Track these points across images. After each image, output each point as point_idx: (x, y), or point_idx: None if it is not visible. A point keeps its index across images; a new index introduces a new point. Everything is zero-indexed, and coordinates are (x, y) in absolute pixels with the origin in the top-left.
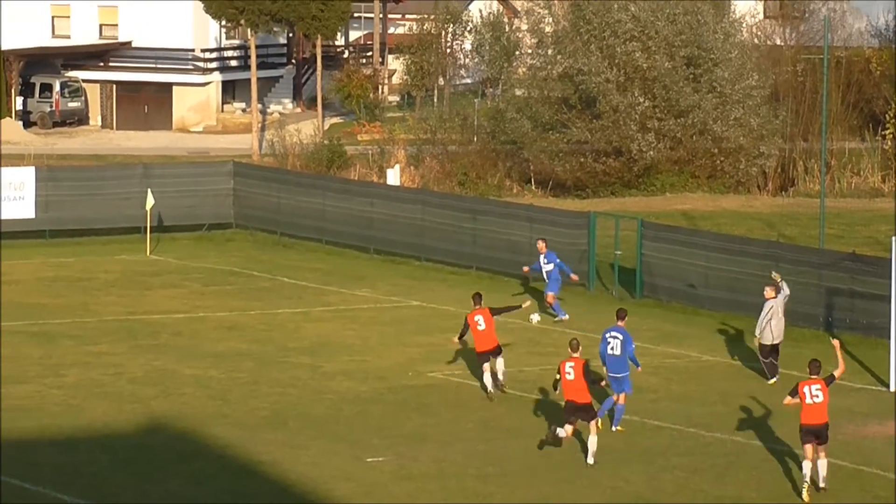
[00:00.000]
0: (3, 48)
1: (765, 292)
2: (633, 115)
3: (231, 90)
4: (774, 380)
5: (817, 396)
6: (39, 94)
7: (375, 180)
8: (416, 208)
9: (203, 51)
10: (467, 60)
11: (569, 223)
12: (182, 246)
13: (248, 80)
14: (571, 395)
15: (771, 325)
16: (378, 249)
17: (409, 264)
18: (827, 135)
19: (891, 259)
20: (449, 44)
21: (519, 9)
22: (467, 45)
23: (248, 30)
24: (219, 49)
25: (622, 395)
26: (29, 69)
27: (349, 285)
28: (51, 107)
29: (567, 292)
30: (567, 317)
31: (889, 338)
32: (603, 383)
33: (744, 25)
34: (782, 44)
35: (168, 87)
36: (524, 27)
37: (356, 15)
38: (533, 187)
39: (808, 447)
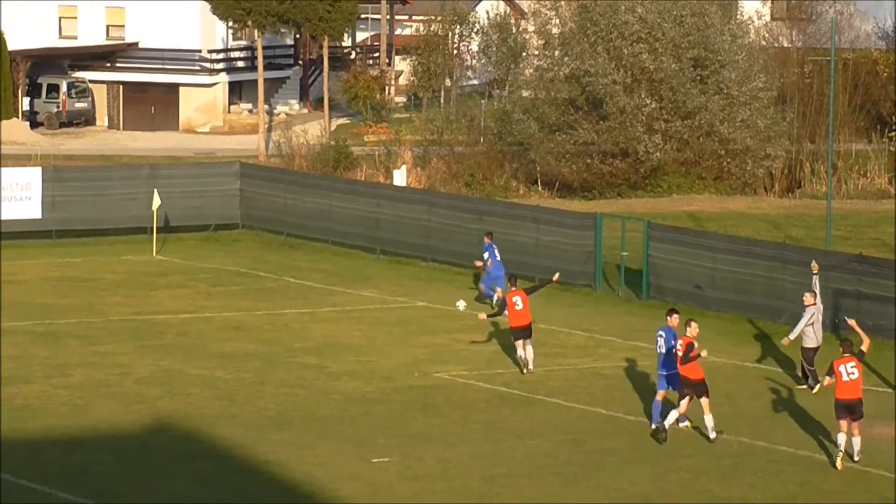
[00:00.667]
0: (10, 49)
1: (804, 299)
2: (640, 117)
3: (238, 91)
4: (819, 386)
5: (853, 374)
6: (46, 95)
7: (382, 181)
8: (422, 209)
9: (210, 51)
10: (474, 62)
11: (575, 224)
12: (188, 246)
13: (255, 81)
14: (685, 371)
15: (814, 329)
16: (384, 250)
17: (416, 265)
18: (834, 136)
19: None
20: (456, 45)
21: (526, 10)
22: (474, 47)
23: (255, 31)
24: (226, 50)
25: (662, 393)
26: (36, 70)
27: (355, 286)
28: (57, 107)
29: (574, 293)
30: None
31: (895, 339)
32: (704, 353)
33: (751, 27)
34: (789, 45)
35: (175, 87)
36: (531, 28)
37: (363, 16)
38: (539, 188)
39: (843, 422)
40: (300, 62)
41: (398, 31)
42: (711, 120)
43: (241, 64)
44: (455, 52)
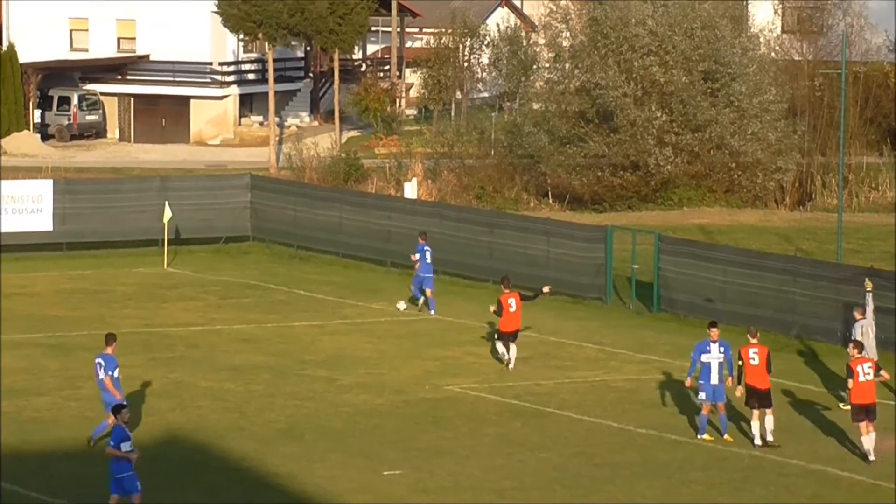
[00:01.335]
0: (21, 61)
1: (854, 313)
2: (651, 130)
3: (249, 103)
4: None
5: (868, 374)
6: (57, 107)
7: (392, 194)
8: (433, 222)
9: (221, 64)
10: (484, 74)
11: (586, 237)
12: (199, 259)
13: (266, 94)
14: (753, 381)
15: (869, 343)
16: (395, 263)
17: None
18: (845, 149)
19: None
20: (466, 58)
21: (536, 23)
22: (484, 59)
23: (266, 43)
24: (236, 62)
25: (720, 405)
26: (47, 82)
27: (366, 298)
28: (68, 120)
29: (584, 306)
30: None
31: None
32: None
33: (761, 40)
34: (800, 58)
35: (185, 100)
36: (541, 41)
37: (374, 29)
38: (550, 201)
39: (862, 425)
40: (311, 75)
41: (409, 44)
42: (722, 133)
43: (251, 76)
44: (465, 64)
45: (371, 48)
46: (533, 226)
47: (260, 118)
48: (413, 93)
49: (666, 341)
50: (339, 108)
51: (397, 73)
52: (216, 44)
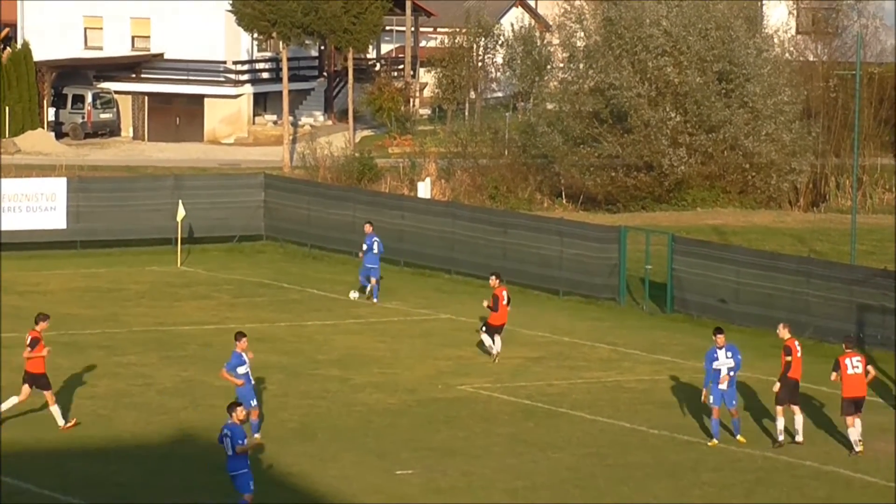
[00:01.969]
0: (35, 59)
1: None
2: (665, 130)
3: (262, 102)
4: None
5: (857, 367)
6: (71, 106)
7: (406, 193)
8: (446, 221)
9: (235, 63)
10: (498, 74)
11: (599, 237)
12: (212, 257)
13: (280, 93)
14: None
15: None
16: (408, 262)
17: (439, 277)
18: (859, 151)
19: None
20: (480, 57)
21: (551, 23)
22: (499, 59)
23: (280, 42)
24: (250, 61)
25: (733, 410)
26: (61, 80)
27: (379, 297)
28: (83, 118)
29: (598, 307)
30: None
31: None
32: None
33: (776, 41)
34: (815, 59)
35: (200, 98)
36: (556, 41)
37: (388, 28)
38: (564, 201)
39: (850, 418)
40: (325, 74)
41: (423, 44)
42: (736, 134)
43: (265, 75)
44: (479, 64)
45: (385, 47)
46: (546, 226)
47: (274, 117)
48: (427, 92)
49: (679, 342)
50: (352, 108)
51: (411, 73)
52: (230, 42)
